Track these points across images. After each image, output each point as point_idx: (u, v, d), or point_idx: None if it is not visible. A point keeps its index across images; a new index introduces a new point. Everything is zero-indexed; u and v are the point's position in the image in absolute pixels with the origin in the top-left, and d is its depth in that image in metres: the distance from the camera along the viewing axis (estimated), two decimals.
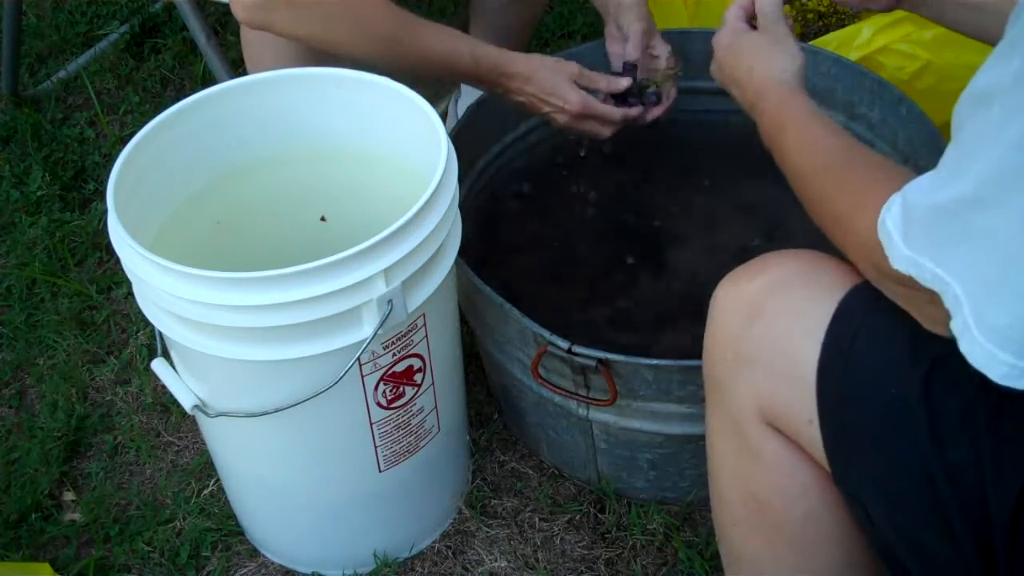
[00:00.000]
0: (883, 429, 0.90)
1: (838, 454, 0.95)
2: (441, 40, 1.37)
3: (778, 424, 0.99)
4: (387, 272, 1.12)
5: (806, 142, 1.05)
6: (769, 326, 0.98)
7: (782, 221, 1.56)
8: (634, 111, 1.47)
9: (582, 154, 1.58)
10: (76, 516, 1.52)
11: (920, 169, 0.83)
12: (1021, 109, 0.72)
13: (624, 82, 1.46)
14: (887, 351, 0.90)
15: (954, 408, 0.86)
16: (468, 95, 1.89)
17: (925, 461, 0.87)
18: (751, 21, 1.32)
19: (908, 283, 0.82)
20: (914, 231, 0.80)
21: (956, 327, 0.77)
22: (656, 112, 1.50)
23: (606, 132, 1.47)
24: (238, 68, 1.73)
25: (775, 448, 1.00)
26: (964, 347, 0.76)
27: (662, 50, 1.51)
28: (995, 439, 0.84)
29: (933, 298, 0.79)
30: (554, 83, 1.40)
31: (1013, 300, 0.74)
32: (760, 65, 1.22)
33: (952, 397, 0.86)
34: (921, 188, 0.81)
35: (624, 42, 1.50)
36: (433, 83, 2.06)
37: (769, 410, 0.99)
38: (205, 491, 1.53)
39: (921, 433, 0.87)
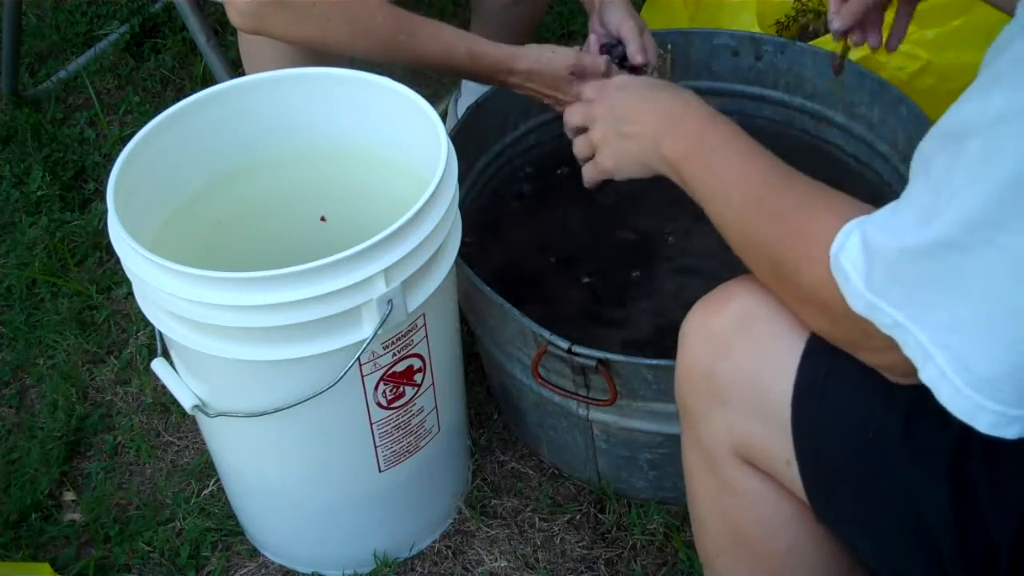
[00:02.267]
0: (865, 469, 0.87)
1: (819, 494, 0.92)
2: (439, 39, 1.37)
3: (755, 462, 0.96)
4: (387, 272, 1.12)
5: (741, 169, 0.94)
6: (739, 365, 0.94)
7: None
8: None
9: None
10: (76, 516, 1.52)
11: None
12: (1004, 147, 0.67)
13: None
14: (862, 389, 0.86)
15: (941, 443, 0.82)
16: (468, 95, 1.89)
17: (913, 500, 0.84)
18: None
19: (862, 331, 0.78)
20: (878, 274, 0.75)
21: (929, 377, 0.73)
22: None
23: None
24: (238, 68, 1.73)
25: (753, 483, 0.98)
26: (944, 399, 0.72)
27: (651, 45, 1.51)
28: (994, 468, 0.80)
29: (891, 346, 0.75)
30: (554, 80, 1.40)
31: (1003, 349, 0.70)
32: (665, 93, 1.09)
33: (938, 432, 0.81)
34: (887, 227, 0.75)
35: (613, 39, 1.50)
36: (433, 83, 2.06)
37: (745, 448, 0.96)
38: (205, 491, 1.53)
39: (907, 472, 0.84)
